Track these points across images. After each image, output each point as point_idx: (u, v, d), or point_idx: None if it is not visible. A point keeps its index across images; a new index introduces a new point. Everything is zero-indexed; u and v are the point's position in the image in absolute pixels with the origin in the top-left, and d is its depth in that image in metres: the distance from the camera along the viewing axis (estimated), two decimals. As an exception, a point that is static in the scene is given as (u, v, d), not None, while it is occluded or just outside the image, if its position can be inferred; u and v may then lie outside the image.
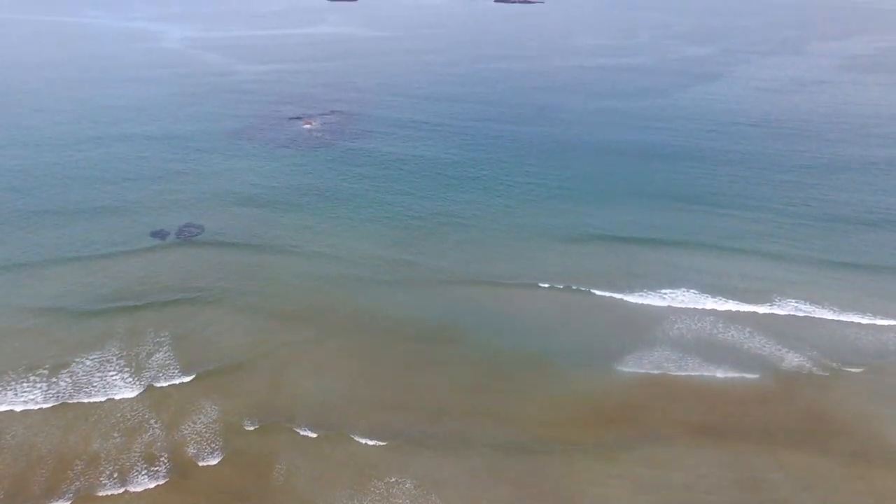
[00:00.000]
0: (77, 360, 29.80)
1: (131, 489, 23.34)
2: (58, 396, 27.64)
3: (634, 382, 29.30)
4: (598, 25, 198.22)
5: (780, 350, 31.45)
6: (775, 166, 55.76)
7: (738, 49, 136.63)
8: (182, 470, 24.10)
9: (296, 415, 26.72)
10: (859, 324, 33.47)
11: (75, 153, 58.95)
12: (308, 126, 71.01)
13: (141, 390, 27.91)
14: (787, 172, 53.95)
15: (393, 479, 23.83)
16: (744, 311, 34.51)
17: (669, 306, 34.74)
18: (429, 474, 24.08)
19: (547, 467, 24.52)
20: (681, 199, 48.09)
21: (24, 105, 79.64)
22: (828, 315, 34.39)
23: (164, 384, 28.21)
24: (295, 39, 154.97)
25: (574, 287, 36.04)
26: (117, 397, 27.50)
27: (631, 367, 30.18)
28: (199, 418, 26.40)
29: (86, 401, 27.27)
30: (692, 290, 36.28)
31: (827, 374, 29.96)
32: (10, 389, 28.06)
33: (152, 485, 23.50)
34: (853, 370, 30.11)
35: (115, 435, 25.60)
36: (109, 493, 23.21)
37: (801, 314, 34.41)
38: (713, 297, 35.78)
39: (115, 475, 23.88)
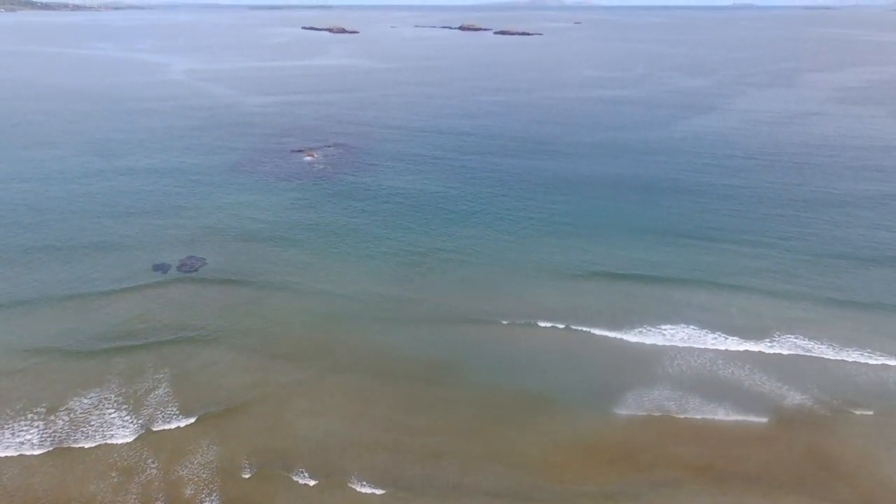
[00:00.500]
0: (74, 402, 29.56)
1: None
2: (54, 440, 27.33)
3: (635, 424, 29.05)
4: (595, 57, 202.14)
5: (781, 389, 31.28)
6: (771, 200, 56.27)
7: (732, 81, 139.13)
8: (177, 518, 23.72)
9: (294, 460, 26.42)
10: (862, 363, 33.34)
11: (78, 187, 59.52)
12: (310, 158, 71.87)
13: (138, 434, 27.62)
14: (783, 207, 54.41)
15: (392, 528, 23.42)
16: (744, 349, 34.40)
17: (669, 345, 34.66)
18: (428, 523, 23.68)
19: (548, 515, 24.13)
20: (678, 233, 48.41)
21: (29, 137, 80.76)
22: (829, 353, 34.28)
23: (162, 428, 27.92)
24: (298, 71, 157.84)
25: (574, 326, 36.01)
26: (113, 441, 27.19)
27: (632, 408, 29.97)
28: (196, 464, 26.06)
29: (82, 445, 26.94)
30: (692, 327, 36.26)
31: (830, 414, 29.73)
32: (6, 430, 27.76)
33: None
34: (857, 411, 29.88)
35: (112, 478, 25.28)
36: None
37: (801, 352, 34.32)
38: (713, 334, 35.73)
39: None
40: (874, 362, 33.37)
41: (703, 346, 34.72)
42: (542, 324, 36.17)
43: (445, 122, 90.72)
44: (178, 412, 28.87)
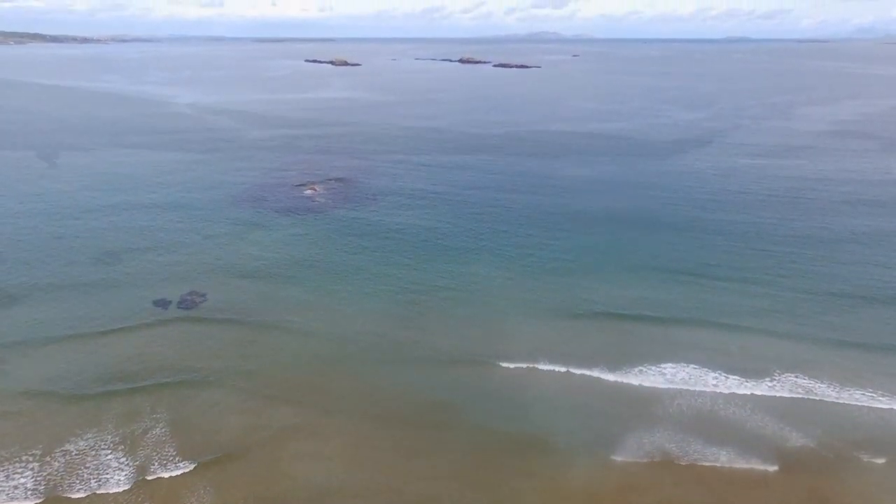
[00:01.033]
0: (69, 446, 29.29)
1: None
2: (48, 486, 26.98)
3: (636, 469, 28.73)
4: (592, 90, 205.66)
5: (783, 432, 31.00)
6: (769, 236, 56.59)
7: (728, 114, 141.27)
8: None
9: (291, 508, 26.07)
10: (866, 406, 33.08)
11: (79, 223, 59.97)
12: (311, 192, 72.64)
13: (134, 482, 27.25)
14: (781, 243, 54.68)
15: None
16: (745, 391, 34.17)
17: (669, 386, 34.47)
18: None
19: (549, 567, 23.68)
20: (676, 270, 48.58)
21: (31, 171, 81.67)
22: (831, 394, 34.05)
23: (159, 476, 27.57)
24: (301, 104, 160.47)
25: (573, 367, 35.88)
26: (108, 490, 26.81)
27: (632, 452, 29.66)
28: (192, 513, 25.72)
29: (76, 495, 26.59)
30: (692, 366, 36.12)
31: (836, 460, 29.40)
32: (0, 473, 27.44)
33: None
34: (865, 457, 29.52)
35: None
36: None
37: (803, 392, 34.09)
38: (713, 373, 35.58)
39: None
40: (880, 406, 33.09)
41: (703, 387, 34.55)
42: (541, 366, 36.04)
43: (445, 157, 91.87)
44: (175, 458, 28.57)
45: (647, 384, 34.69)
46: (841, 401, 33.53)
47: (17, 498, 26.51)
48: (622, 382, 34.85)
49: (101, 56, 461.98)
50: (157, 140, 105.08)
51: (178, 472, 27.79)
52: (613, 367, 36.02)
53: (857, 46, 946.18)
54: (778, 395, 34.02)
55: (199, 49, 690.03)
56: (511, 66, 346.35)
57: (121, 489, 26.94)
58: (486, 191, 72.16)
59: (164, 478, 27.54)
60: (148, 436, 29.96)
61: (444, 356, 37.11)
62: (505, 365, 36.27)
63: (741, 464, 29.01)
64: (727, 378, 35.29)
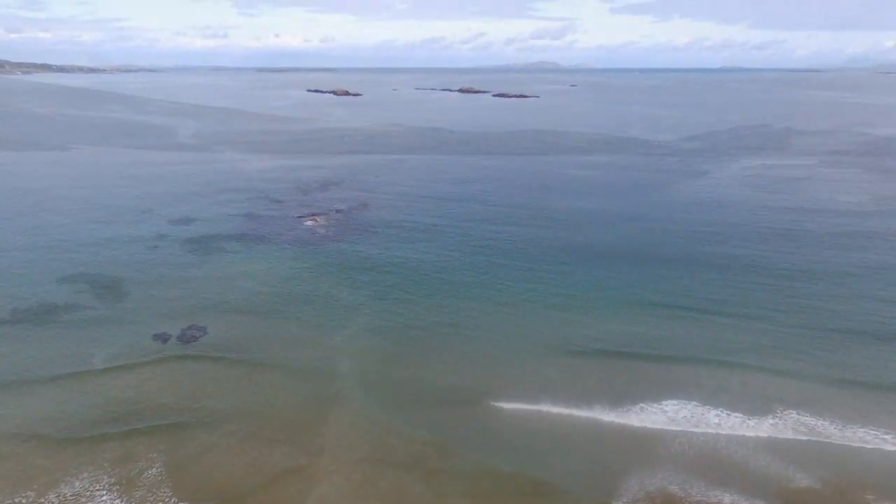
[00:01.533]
0: (63, 489, 28.86)
1: None
2: (40, 533, 26.55)
3: (640, 514, 28.27)
4: (589, 119, 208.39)
5: (787, 473, 30.62)
6: (767, 270, 56.65)
7: (724, 144, 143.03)
8: None
9: (287, 556, 25.56)
10: (870, 447, 32.70)
11: (78, 256, 60.06)
12: (312, 223, 73.10)
13: (127, 528, 26.85)
14: (778, 278, 54.70)
15: None
16: (747, 430, 33.84)
17: (670, 426, 34.15)
18: None
19: None
20: (675, 306, 48.51)
21: (32, 203, 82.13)
22: (835, 433, 33.70)
23: (152, 522, 27.19)
24: (303, 135, 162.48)
25: (573, 407, 35.60)
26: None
27: (634, 494, 29.22)
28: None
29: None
30: (693, 405, 35.84)
31: (839, 499, 28.97)
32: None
33: None
34: (868, 498, 29.10)
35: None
36: None
37: (806, 431, 33.73)
38: (715, 410, 35.30)
39: None
40: (886, 446, 32.66)
41: (706, 427, 34.21)
42: (541, 406, 35.75)
43: (445, 188, 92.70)
44: (171, 503, 28.11)
45: (648, 424, 34.38)
46: (845, 440, 33.20)
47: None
48: (623, 422, 34.53)
49: (107, 86, 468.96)
50: (157, 172, 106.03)
51: (173, 520, 27.37)
52: (614, 405, 35.75)
53: (850, 76, 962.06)
54: (781, 435, 33.68)
55: (203, 79, 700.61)
56: (510, 96, 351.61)
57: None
58: (485, 224, 72.58)
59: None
60: (145, 480, 29.53)
61: (443, 396, 36.86)
62: (504, 405, 35.99)
63: (747, 507, 28.57)
64: (729, 416, 35.00)
